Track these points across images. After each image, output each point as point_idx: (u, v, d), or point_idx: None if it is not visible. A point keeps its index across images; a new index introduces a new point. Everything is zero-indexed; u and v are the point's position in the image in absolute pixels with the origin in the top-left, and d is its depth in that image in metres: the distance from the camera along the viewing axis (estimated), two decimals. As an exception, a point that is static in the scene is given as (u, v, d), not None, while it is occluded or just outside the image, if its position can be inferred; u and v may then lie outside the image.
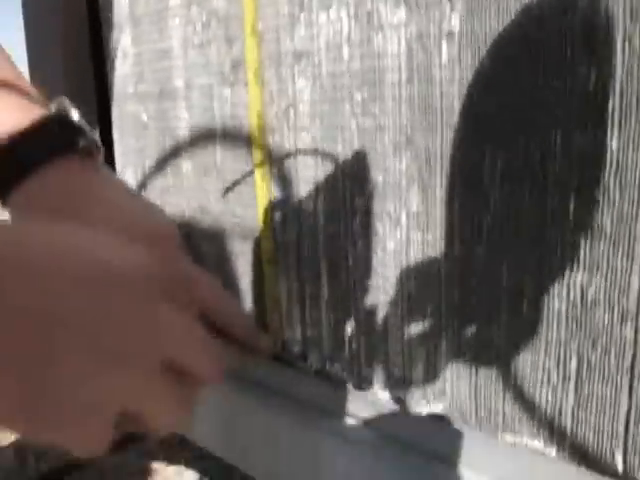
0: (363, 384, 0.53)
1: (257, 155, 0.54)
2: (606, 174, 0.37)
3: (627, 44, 0.35)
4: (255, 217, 0.56)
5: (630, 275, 0.38)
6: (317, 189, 0.51)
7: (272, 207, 0.55)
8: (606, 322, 0.39)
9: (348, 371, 0.53)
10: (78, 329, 0.25)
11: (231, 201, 0.58)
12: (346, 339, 0.53)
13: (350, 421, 0.53)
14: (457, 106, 0.43)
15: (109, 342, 0.26)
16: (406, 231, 0.47)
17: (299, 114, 0.52)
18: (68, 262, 0.26)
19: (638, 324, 0.38)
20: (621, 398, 0.39)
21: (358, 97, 0.48)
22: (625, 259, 0.38)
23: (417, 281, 0.48)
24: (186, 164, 0.65)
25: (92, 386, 0.26)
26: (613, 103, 0.36)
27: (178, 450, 2.22)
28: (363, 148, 0.48)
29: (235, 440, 0.62)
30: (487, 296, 0.44)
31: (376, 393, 0.52)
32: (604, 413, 0.41)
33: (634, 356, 0.39)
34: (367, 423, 0.52)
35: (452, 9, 0.42)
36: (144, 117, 0.68)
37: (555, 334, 0.42)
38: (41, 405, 0.25)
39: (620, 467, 0.40)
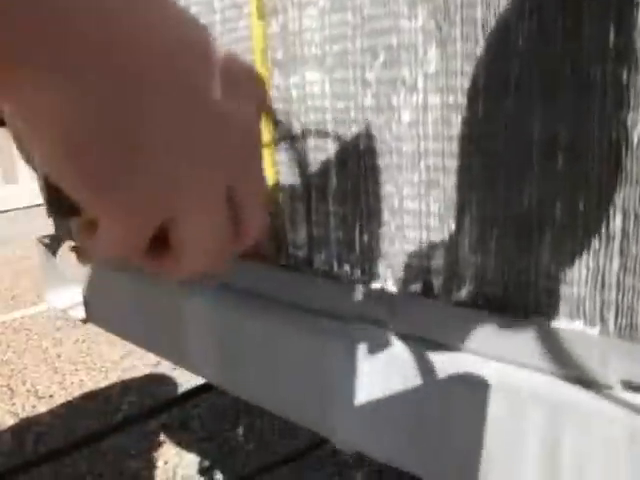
0: (375, 281, 0.47)
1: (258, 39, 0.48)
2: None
3: None
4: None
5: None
6: (323, 66, 0.46)
7: (275, 94, 0.50)
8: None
9: (359, 270, 0.48)
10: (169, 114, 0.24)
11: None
12: (356, 233, 0.48)
13: (362, 323, 0.47)
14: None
15: (199, 132, 0.24)
16: (423, 96, 0.42)
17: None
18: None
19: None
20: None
21: (368, -47, 0.42)
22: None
23: (435, 154, 0.43)
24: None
25: (170, 166, 0.24)
26: None
27: (179, 432, 2.18)
28: (374, 13, 0.43)
29: (235, 360, 0.57)
30: (517, 158, 0.39)
31: (391, 289, 0.47)
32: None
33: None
34: (380, 323, 0.46)
35: None
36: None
37: (596, 188, 0.37)
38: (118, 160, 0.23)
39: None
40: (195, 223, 0.27)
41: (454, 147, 0.41)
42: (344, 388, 0.47)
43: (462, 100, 0.40)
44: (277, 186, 0.49)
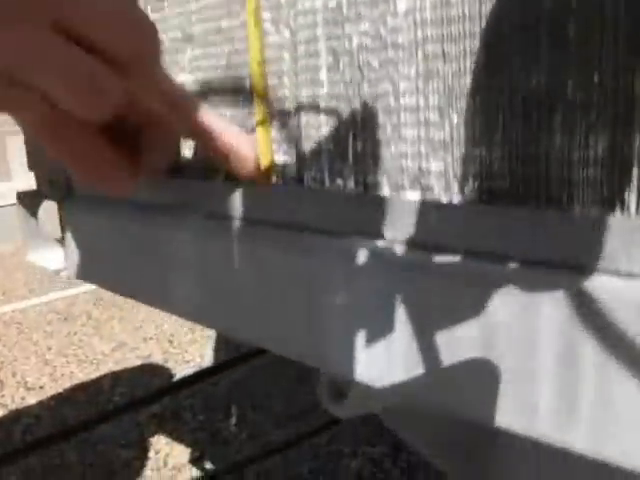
0: (370, 191, 0.44)
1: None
2: None
3: None
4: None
5: None
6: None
7: (264, 3, 0.46)
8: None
9: (352, 181, 0.44)
10: None
11: None
12: (349, 142, 0.44)
13: (360, 239, 0.43)
14: None
15: None
16: (420, -22, 0.38)
17: None
18: None
19: None
20: None
21: None
22: None
23: (434, 40, 0.39)
24: None
25: None
26: None
27: (170, 422, 2.15)
28: None
29: (221, 293, 0.53)
30: (525, 33, 0.35)
31: (387, 196, 0.43)
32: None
33: None
34: (378, 234, 0.43)
35: None
36: None
37: (612, 54, 0.33)
38: None
39: None
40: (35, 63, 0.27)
41: (454, 30, 0.37)
42: (336, 309, 0.43)
43: (462, -22, 0.36)
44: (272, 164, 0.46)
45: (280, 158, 0.48)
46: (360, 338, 0.43)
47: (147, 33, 0.33)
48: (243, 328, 0.51)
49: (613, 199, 0.33)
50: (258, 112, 0.48)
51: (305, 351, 0.47)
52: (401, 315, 0.40)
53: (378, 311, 0.41)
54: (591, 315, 0.32)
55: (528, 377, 0.35)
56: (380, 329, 0.42)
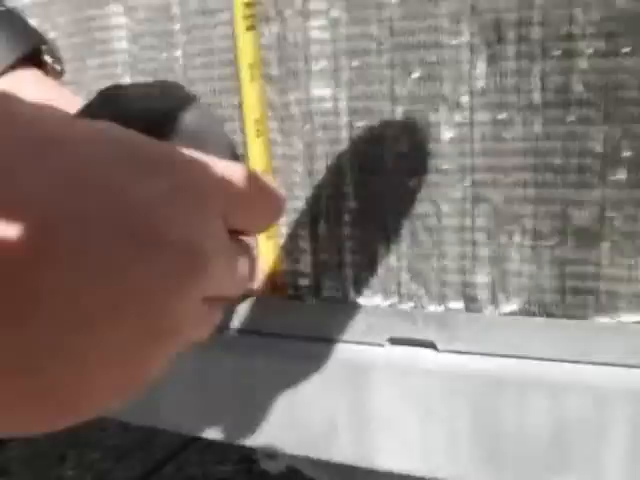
0: (405, 302, 0.46)
1: (245, 52, 0.44)
2: None
3: None
4: (237, 131, 0.47)
5: None
6: (337, 81, 0.44)
7: (270, 113, 0.46)
8: None
9: (381, 293, 0.47)
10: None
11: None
12: (379, 256, 0.46)
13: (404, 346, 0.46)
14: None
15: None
16: (469, 113, 0.42)
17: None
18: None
19: None
20: None
21: (400, -33, 0.41)
22: None
23: (484, 169, 0.43)
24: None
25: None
26: None
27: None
28: (408, 26, 0.42)
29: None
30: (576, 172, 0.41)
31: (427, 308, 0.46)
32: None
33: None
34: (426, 343, 0.45)
35: None
36: None
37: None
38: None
39: None
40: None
41: (505, 162, 0.41)
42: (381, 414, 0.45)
43: (516, 116, 0.41)
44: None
45: (292, 268, 0.48)
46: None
47: (282, 208, 0.33)
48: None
49: None
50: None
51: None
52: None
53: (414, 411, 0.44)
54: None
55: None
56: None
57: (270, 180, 0.32)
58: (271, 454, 0.69)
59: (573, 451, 0.40)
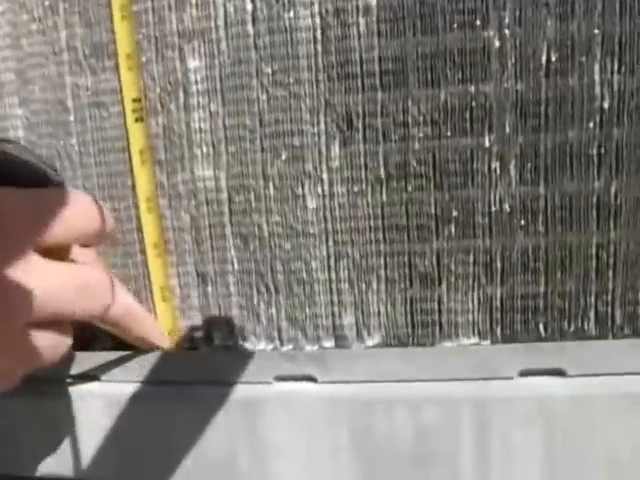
0: (285, 345, 0.55)
1: (135, 140, 0.52)
2: None
3: None
4: (131, 208, 0.54)
5: None
6: (217, 164, 0.53)
7: (159, 192, 0.54)
8: None
9: (265, 339, 0.55)
10: None
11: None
12: (261, 309, 0.55)
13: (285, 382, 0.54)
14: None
15: None
16: (328, 186, 0.52)
17: (191, 94, 0.52)
18: None
19: None
20: None
21: (268, 70, 0.51)
22: None
23: (343, 231, 0.53)
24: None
25: None
26: None
27: None
28: (275, 117, 0.52)
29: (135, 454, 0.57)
30: (416, 226, 0.52)
31: (305, 349, 0.55)
32: None
33: None
34: (307, 378, 0.54)
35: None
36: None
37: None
38: None
39: None
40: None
41: (360, 225, 0.52)
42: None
43: (366, 188, 0.51)
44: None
45: (187, 323, 0.56)
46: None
47: (104, 214, 0.38)
48: None
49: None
50: (156, 289, 0.55)
51: None
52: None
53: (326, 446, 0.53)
54: None
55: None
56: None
57: (79, 196, 0.36)
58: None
59: (434, 452, 0.51)
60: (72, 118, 0.54)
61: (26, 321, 0.29)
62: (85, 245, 0.37)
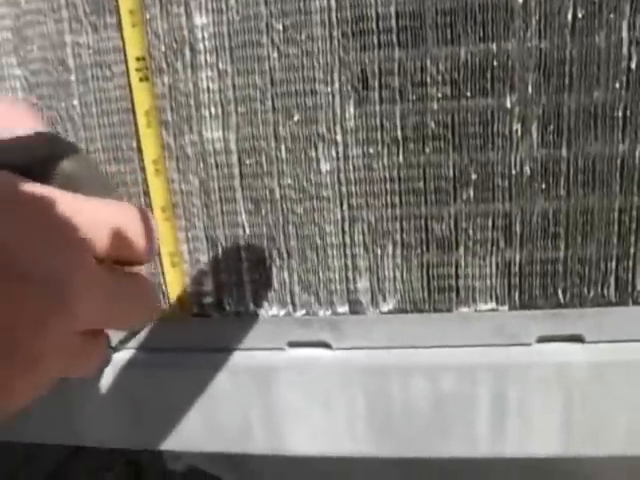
0: (298, 310, 0.54)
1: (140, 101, 0.50)
2: None
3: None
4: (138, 171, 0.52)
5: None
6: (227, 125, 0.51)
7: (166, 154, 0.51)
8: None
9: (278, 305, 0.54)
10: None
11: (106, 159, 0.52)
12: (273, 273, 0.53)
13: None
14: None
15: None
16: (343, 149, 0.50)
17: (198, 52, 0.50)
18: None
19: None
20: None
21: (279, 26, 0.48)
22: None
23: (358, 195, 0.51)
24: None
25: None
26: None
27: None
28: (286, 77, 0.49)
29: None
30: (434, 192, 0.50)
31: (319, 314, 0.54)
32: None
33: None
34: (321, 344, 0.53)
35: None
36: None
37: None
38: None
39: None
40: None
41: (375, 188, 0.50)
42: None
43: (382, 150, 0.49)
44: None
45: (196, 290, 0.54)
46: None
47: (154, 233, 0.37)
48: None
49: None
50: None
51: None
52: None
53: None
54: None
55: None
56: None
57: (142, 213, 0.36)
58: (176, 455, 0.74)
59: (450, 420, 0.50)
60: (73, 78, 0.52)
61: (87, 327, 0.29)
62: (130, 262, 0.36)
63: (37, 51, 0.52)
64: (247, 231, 0.52)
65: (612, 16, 0.44)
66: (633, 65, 0.45)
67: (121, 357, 0.54)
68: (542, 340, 0.49)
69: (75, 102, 0.52)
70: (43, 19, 0.51)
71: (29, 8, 0.51)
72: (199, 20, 0.49)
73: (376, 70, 0.48)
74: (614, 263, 0.49)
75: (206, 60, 0.50)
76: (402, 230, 0.50)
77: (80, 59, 0.52)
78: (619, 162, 0.47)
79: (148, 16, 0.50)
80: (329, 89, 0.48)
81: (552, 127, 0.47)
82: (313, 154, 0.50)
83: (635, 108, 0.45)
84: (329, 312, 0.52)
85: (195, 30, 0.49)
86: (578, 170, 0.47)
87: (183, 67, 0.50)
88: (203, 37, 0.49)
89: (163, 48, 0.50)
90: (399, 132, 0.48)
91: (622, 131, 0.46)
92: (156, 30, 0.50)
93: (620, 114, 0.46)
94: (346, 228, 0.50)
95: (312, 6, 0.47)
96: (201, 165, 0.52)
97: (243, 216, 0.52)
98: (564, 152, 0.47)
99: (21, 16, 0.51)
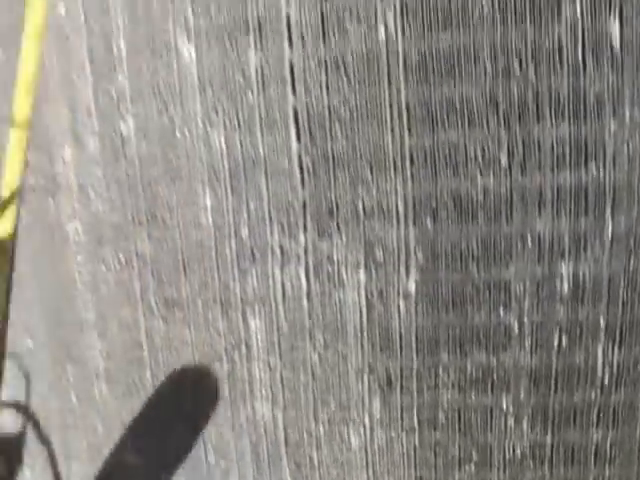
0: None
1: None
2: None
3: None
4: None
5: None
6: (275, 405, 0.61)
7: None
8: None
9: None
10: None
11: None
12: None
13: None
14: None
15: None
16: (370, 432, 0.61)
17: (252, 349, 0.61)
18: None
19: None
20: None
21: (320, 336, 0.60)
22: None
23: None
24: None
25: None
26: None
27: None
28: (325, 375, 0.60)
29: None
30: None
31: None
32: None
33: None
34: None
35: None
36: None
37: None
38: None
39: None
40: None
41: (396, 459, 0.61)
42: None
43: (402, 433, 0.60)
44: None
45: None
46: None
47: None
48: None
49: None
50: None
51: None
52: None
53: None
54: None
55: None
56: None
57: None
58: None
59: None
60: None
61: None
62: None
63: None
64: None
65: (590, 341, 0.56)
66: (606, 380, 0.56)
67: None
68: None
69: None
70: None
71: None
72: (253, 323, 0.60)
73: (398, 374, 0.59)
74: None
75: (259, 355, 0.61)
76: (418, 492, 0.61)
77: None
78: (593, 448, 0.58)
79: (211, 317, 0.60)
80: (360, 387, 0.59)
81: (539, 420, 0.58)
82: (345, 434, 0.61)
83: (606, 411, 0.57)
84: None
85: (250, 331, 0.60)
86: (560, 454, 0.59)
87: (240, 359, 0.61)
88: (257, 338, 0.60)
89: (223, 342, 0.61)
90: (415, 421, 0.59)
91: (595, 427, 0.57)
92: (217, 329, 0.61)
93: (595, 413, 0.57)
94: (372, 488, 0.61)
95: (347, 324, 0.58)
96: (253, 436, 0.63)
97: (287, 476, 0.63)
98: (548, 439, 0.59)
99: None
